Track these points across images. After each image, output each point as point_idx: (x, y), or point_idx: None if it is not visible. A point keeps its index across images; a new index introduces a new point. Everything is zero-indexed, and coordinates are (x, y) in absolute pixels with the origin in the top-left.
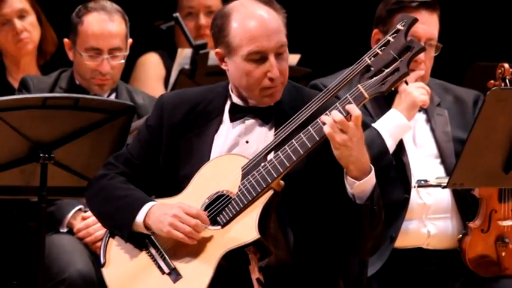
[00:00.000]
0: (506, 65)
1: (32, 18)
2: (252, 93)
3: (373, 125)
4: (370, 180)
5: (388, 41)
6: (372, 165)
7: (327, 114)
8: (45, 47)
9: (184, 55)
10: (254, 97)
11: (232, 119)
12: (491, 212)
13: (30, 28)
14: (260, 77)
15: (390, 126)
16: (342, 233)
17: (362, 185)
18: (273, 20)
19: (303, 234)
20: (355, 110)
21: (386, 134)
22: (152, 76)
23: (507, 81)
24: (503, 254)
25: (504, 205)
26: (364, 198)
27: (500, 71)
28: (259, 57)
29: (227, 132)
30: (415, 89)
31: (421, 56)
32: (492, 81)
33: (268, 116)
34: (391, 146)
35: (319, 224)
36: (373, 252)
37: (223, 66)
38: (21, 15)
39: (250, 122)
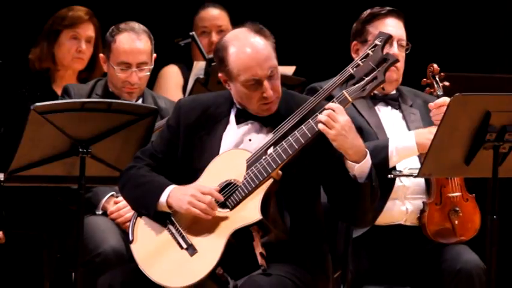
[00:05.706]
0: (435, 65)
1: (91, 48)
2: (252, 107)
3: (389, 139)
4: (367, 161)
5: (368, 54)
6: (366, 149)
7: (316, 115)
8: (93, 71)
9: (199, 67)
10: (253, 110)
11: (238, 122)
12: (441, 187)
13: (88, 53)
14: (257, 97)
15: (401, 144)
16: (348, 208)
17: (361, 166)
18: (263, 49)
19: (297, 216)
20: (333, 104)
21: (394, 151)
22: (172, 84)
23: (437, 78)
24: (456, 222)
25: (451, 180)
26: (364, 177)
27: (430, 70)
28: (254, 83)
29: (233, 132)
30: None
31: (396, 51)
32: (424, 79)
33: (268, 121)
34: (396, 161)
35: (312, 207)
36: (372, 222)
37: (226, 86)
38: (88, 40)
39: (253, 124)
